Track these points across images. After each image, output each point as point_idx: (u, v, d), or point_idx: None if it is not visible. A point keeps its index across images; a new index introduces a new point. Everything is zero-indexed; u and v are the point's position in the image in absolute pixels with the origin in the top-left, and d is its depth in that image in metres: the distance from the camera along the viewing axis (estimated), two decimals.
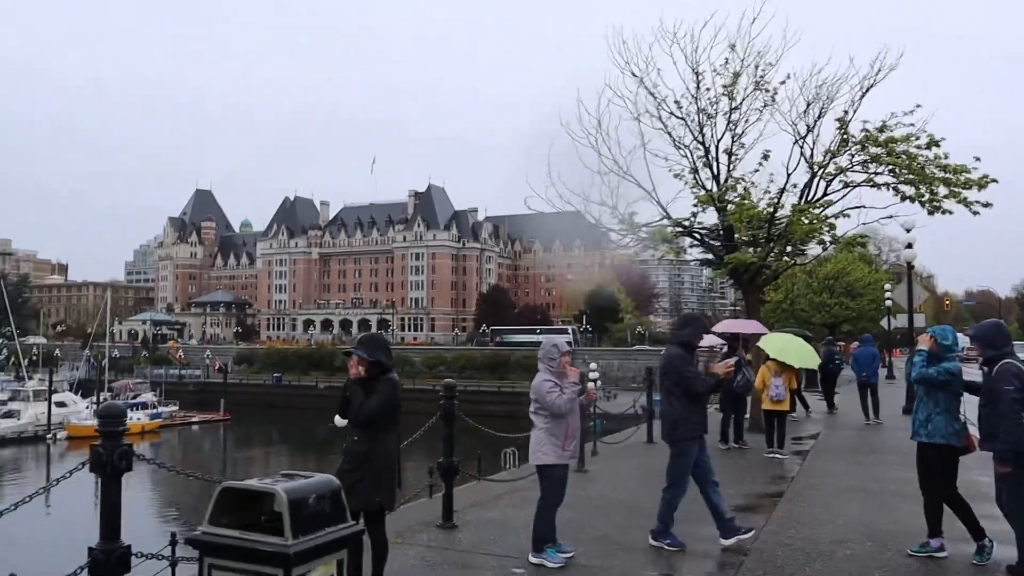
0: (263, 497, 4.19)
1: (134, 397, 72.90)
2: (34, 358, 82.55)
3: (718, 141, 17.50)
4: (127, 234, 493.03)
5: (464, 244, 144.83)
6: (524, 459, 29.16)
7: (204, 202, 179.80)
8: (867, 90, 16.77)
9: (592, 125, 17.16)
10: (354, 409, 6.33)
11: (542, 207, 18.09)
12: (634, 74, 17.15)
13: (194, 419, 73.17)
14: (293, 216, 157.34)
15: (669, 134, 17.35)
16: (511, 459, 37.26)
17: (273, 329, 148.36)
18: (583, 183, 17.76)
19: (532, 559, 7.37)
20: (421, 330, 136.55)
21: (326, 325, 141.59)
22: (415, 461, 47.82)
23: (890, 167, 16.22)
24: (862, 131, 16.36)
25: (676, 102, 16.99)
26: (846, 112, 16.55)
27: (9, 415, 63.45)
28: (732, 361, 8.59)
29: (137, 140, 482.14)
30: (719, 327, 17.64)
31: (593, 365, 44.11)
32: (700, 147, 17.47)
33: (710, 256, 20.11)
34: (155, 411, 69.22)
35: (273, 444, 70.66)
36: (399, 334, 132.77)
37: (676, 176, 17.46)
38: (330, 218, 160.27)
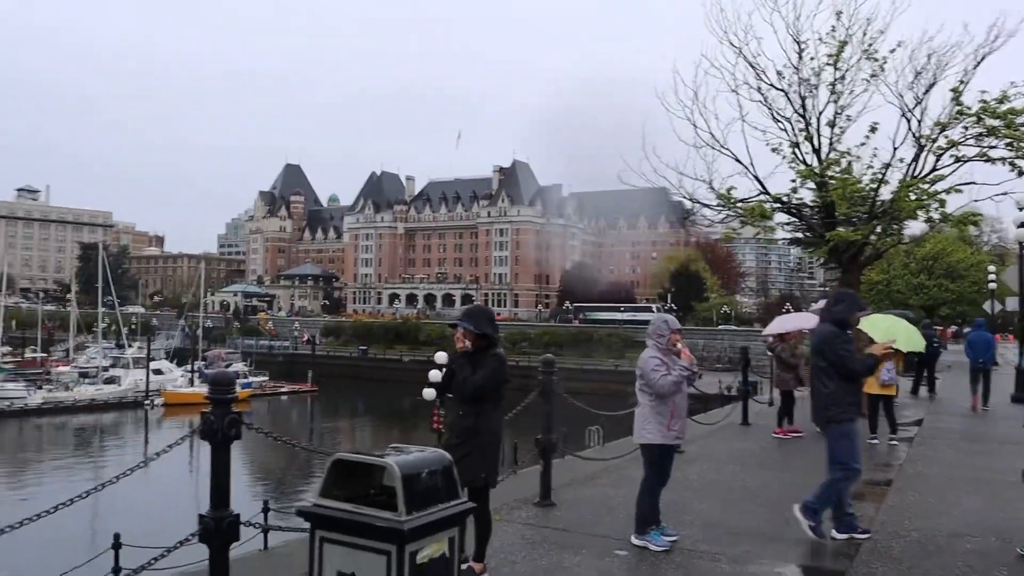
0: (373, 470, 4.08)
1: (226, 366, 74.95)
2: (133, 327, 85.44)
3: (819, 113, 16.86)
4: (220, 208, 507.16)
5: (548, 220, 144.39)
6: (609, 437, 28.78)
7: (293, 177, 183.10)
8: (982, 59, 15.90)
9: (688, 97, 16.68)
10: (459, 383, 6.21)
11: (635, 180, 17.67)
12: (732, 44, 16.59)
13: (283, 389, 74.94)
14: (379, 191, 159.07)
15: (768, 106, 16.75)
16: (596, 437, 37.09)
17: (359, 302, 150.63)
18: (676, 158, 17.33)
19: (635, 541, 7.15)
20: (504, 306, 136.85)
21: (410, 299, 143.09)
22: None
23: (1007, 141, 15.35)
24: (979, 102, 15.51)
25: (778, 72, 16.38)
26: (961, 82, 15.71)
27: (111, 381, 66.04)
28: (891, 341, 8.17)
29: (230, 117, 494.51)
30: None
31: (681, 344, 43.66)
32: (801, 119, 16.85)
33: (800, 234, 19.46)
34: (246, 381, 70.98)
35: (358, 415, 71.94)
36: None
37: (773, 150, 16.87)
38: (416, 193, 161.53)
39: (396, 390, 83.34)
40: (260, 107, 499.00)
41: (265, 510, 7.88)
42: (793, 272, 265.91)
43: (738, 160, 16.45)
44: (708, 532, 7.70)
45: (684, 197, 17.41)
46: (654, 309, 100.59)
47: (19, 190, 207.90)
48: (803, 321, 15.47)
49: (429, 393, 18.21)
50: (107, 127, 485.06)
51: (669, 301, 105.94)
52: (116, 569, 7.04)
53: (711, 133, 16.50)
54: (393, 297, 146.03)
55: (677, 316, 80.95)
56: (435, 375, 18.10)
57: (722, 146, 16.90)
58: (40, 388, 61.89)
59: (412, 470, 3.90)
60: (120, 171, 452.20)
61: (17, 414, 57.08)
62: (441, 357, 18.32)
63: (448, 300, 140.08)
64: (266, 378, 76.14)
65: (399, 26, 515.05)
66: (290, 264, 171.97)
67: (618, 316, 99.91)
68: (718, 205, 17.23)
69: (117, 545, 7.14)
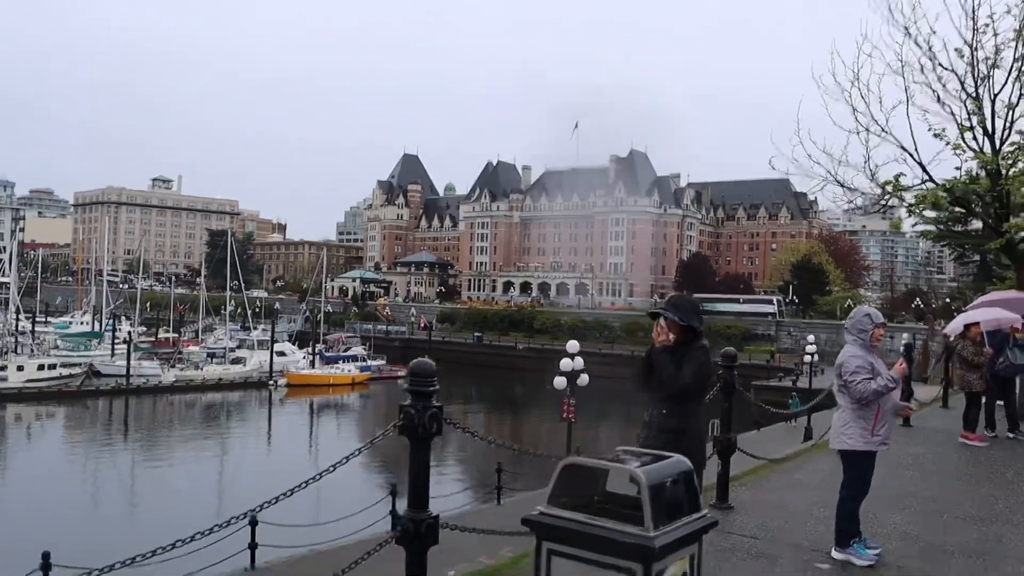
0: (596, 474, 3.59)
1: (346, 350, 76.60)
2: (257, 310, 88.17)
3: (994, 96, 15.51)
4: (339, 197, 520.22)
5: (665, 210, 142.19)
6: (743, 428, 27.67)
7: (411, 166, 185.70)
8: None
9: (847, 78, 15.57)
10: (664, 381, 5.63)
11: (786, 167, 16.63)
12: (899, 21, 15.39)
13: (400, 373, 75.82)
14: (495, 180, 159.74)
15: (934, 90, 15.48)
16: (715, 430, 36.14)
17: (473, 290, 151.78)
18: (827, 143, 16.23)
19: (836, 554, 6.47)
20: (619, 296, 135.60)
21: (524, 288, 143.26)
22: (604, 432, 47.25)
23: None
24: None
25: (957, 50, 15.11)
26: None
27: (237, 361, 68.24)
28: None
29: (350, 109, 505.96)
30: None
31: (811, 338, 41.87)
32: (974, 102, 15.53)
33: (956, 227, 18.00)
34: (365, 364, 72.32)
35: (472, 402, 72.32)
36: (597, 299, 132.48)
37: (936, 136, 15.60)
38: (532, 182, 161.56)
39: (510, 377, 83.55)
40: (380, 100, 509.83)
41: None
42: (921, 266, 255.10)
43: (902, 146, 15.26)
44: (910, 547, 6.95)
45: (841, 185, 16.20)
46: (774, 301, 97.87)
47: (153, 180, 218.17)
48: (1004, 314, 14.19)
49: (560, 382, 17.74)
50: (236, 124, 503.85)
51: (791, 294, 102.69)
52: None
53: (872, 117, 15.34)
54: (507, 285, 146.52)
55: (798, 309, 78.24)
56: (567, 364, 17.60)
57: (883, 130, 15.72)
58: (173, 367, 64.42)
59: (658, 479, 3.41)
60: (247, 163, 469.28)
61: (152, 390, 59.60)
62: (573, 346, 17.81)
63: (562, 289, 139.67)
64: (384, 362, 77.29)
65: (520, 23, 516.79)
66: (406, 251, 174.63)
67: (737, 308, 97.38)
68: (883, 194, 16.03)
69: None
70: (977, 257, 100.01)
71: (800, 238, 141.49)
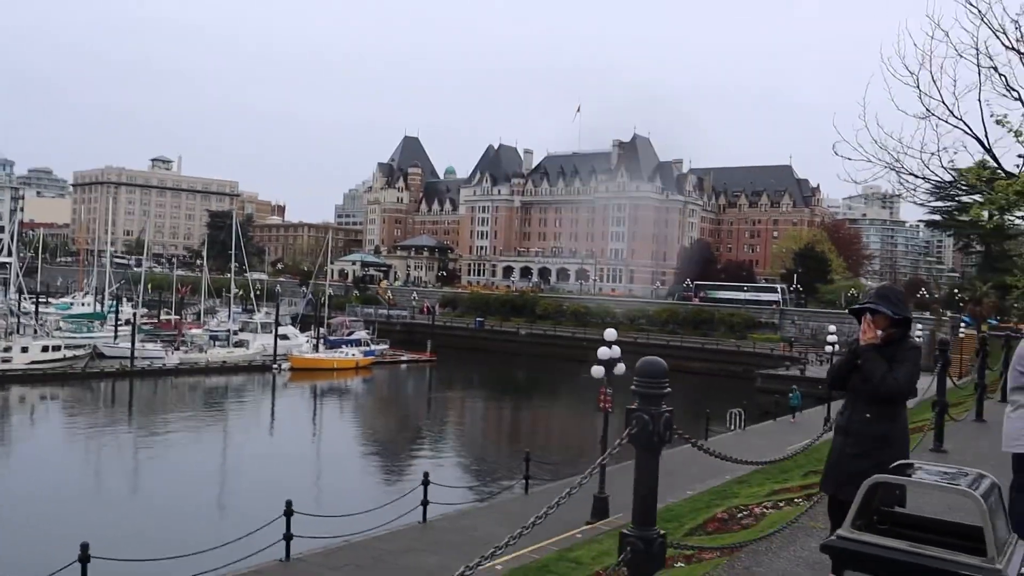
0: (894, 495, 3.21)
1: (349, 334, 76.32)
2: (258, 293, 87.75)
3: None
4: (338, 179, 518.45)
5: (667, 196, 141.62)
6: (757, 420, 27.46)
7: (411, 149, 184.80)
8: None
9: (915, 59, 15.00)
10: (875, 383, 5.10)
11: (849, 152, 16.06)
12: (971, 3, 14.89)
13: (403, 358, 75.71)
14: (496, 164, 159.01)
15: (1002, 75, 14.98)
16: (737, 420, 35.98)
17: (473, 274, 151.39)
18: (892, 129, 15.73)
19: None
20: (620, 282, 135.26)
21: (525, 272, 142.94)
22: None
23: None
24: None
25: None
26: None
27: (240, 344, 67.93)
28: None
29: (349, 91, 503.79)
30: None
31: (832, 328, 41.39)
32: None
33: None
34: (368, 348, 72.05)
35: (473, 387, 72.18)
36: (598, 285, 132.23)
37: (998, 122, 15.16)
38: (533, 167, 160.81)
39: (512, 363, 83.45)
40: (379, 82, 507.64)
41: None
42: (920, 255, 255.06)
43: (971, 133, 14.74)
44: None
45: (905, 172, 15.70)
46: (778, 289, 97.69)
47: (153, 160, 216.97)
48: None
49: (598, 371, 17.42)
50: (235, 105, 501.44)
51: (795, 282, 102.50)
52: None
53: (942, 102, 14.78)
54: (508, 270, 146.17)
55: (801, 298, 77.64)
56: (604, 352, 17.29)
57: (952, 115, 15.16)
58: (177, 349, 64.08)
59: (995, 502, 3.02)
60: (246, 144, 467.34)
61: (156, 373, 59.32)
62: (610, 334, 17.50)
63: (563, 274, 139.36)
64: (387, 346, 77.06)
65: (521, 4, 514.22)
66: (406, 235, 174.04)
67: (740, 296, 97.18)
68: (956, 183, 15.53)
69: None
70: (982, 248, 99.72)
71: (802, 225, 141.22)
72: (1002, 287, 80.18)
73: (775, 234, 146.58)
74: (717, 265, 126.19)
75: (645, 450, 3.93)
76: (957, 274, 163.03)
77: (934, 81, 14.01)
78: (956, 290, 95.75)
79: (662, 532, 4.01)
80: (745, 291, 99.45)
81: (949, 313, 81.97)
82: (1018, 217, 16.88)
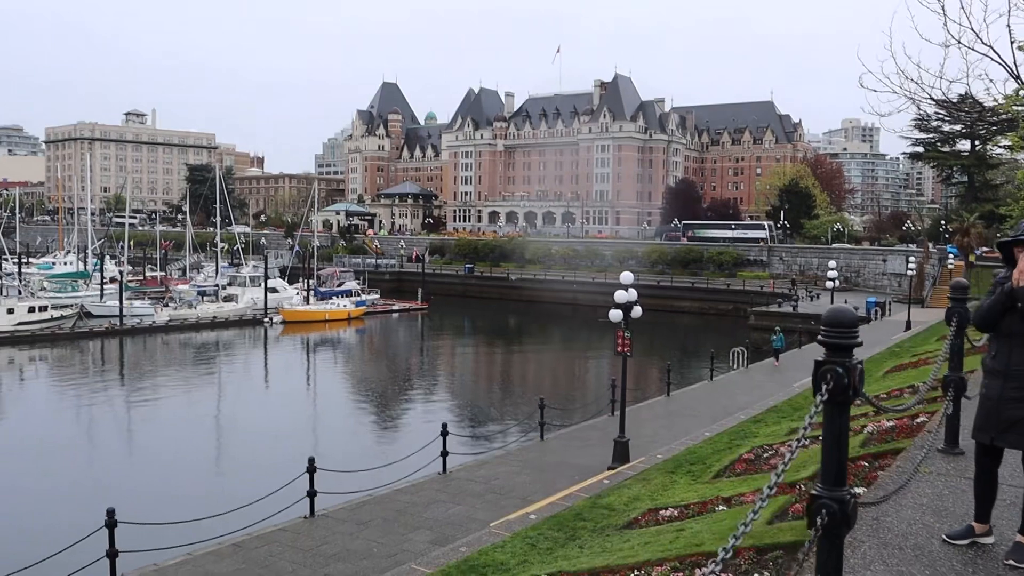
0: None
1: (339, 285, 75.79)
2: (242, 246, 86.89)
3: None
4: (316, 127, 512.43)
5: (651, 136, 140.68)
6: (754, 358, 27.36)
7: (390, 95, 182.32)
8: None
9: None
10: None
11: (874, 84, 15.60)
12: None
13: (394, 307, 75.35)
14: (478, 108, 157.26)
15: None
16: (740, 359, 35.99)
17: (458, 220, 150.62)
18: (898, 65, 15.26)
19: None
20: (606, 223, 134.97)
21: (511, 217, 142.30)
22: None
23: None
24: None
25: None
26: None
27: (229, 299, 67.31)
28: None
29: (325, 34, 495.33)
30: None
31: (832, 264, 41.09)
32: None
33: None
34: (360, 299, 71.60)
35: (468, 334, 72.11)
36: (585, 227, 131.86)
37: (1020, 48, 14.72)
38: (515, 110, 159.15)
39: (505, 308, 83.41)
40: (356, 26, 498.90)
41: None
42: (901, 188, 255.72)
43: (1001, 61, 14.28)
44: None
45: (935, 101, 15.24)
46: (766, 226, 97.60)
47: (127, 114, 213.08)
48: None
49: (615, 315, 17.11)
50: (207, 57, 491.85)
51: (782, 218, 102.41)
52: None
53: (972, 29, 14.26)
54: (493, 215, 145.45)
55: (787, 234, 76.83)
56: (621, 295, 16.98)
57: (981, 41, 14.65)
58: (166, 306, 63.47)
59: None
60: (219, 95, 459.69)
61: (145, 330, 58.78)
62: (627, 277, 17.17)
63: (549, 218, 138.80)
64: (378, 296, 76.67)
65: None
66: (389, 183, 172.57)
67: (728, 234, 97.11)
68: (990, 114, 15.11)
69: None
70: (965, 179, 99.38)
71: (785, 162, 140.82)
72: (989, 216, 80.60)
73: (759, 171, 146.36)
74: (703, 204, 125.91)
75: (837, 404, 3.55)
76: (938, 206, 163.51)
77: (963, 7, 13.51)
78: (943, 222, 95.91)
79: (855, 491, 3.65)
80: (733, 229, 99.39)
81: (934, 245, 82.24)
82: None
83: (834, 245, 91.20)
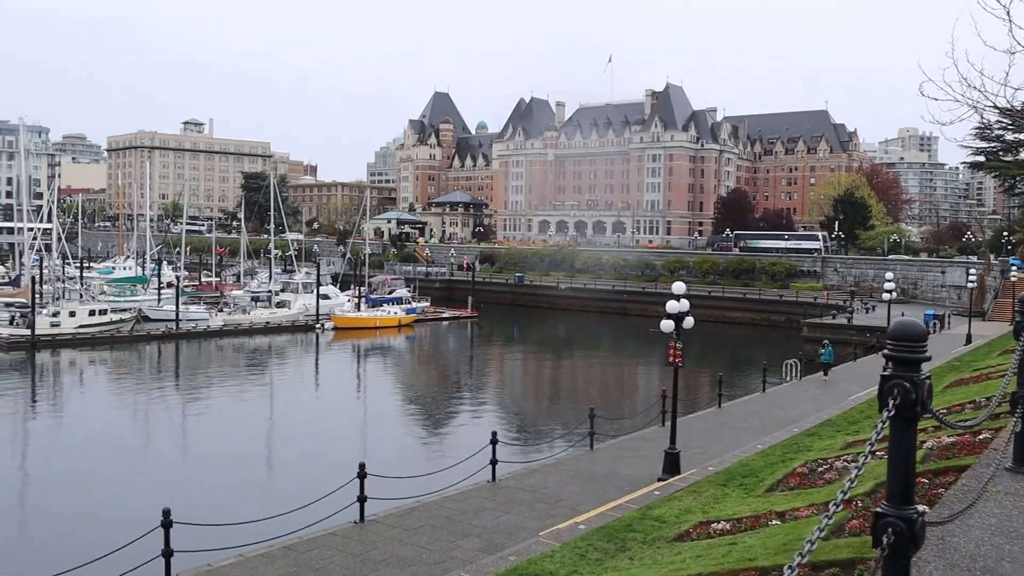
0: None
1: (390, 292, 76.34)
2: (295, 253, 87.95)
3: None
4: (369, 137, 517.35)
5: (702, 145, 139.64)
6: (807, 371, 26.95)
7: (442, 105, 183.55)
8: None
9: None
10: None
11: (935, 93, 15.30)
12: None
13: (444, 315, 75.70)
14: (529, 117, 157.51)
15: None
16: (793, 371, 35.45)
17: (508, 229, 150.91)
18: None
19: None
20: (656, 233, 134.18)
21: (561, 226, 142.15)
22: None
23: None
24: None
25: None
26: None
27: (282, 304, 68.16)
28: None
29: (378, 46, 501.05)
30: None
31: (889, 275, 40.22)
32: None
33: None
34: (410, 306, 72.05)
35: (517, 342, 72.07)
36: (635, 237, 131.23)
37: None
38: (565, 119, 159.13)
39: (554, 317, 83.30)
40: (408, 37, 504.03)
41: None
42: (961, 198, 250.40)
43: None
44: None
45: (998, 109, 14.88)
46: (820, 237, 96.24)
47: (185, 123, 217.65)
48: None
49: (667, 325, 16.97)
50: (263, 66, 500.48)
51: (837, 229, 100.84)
52: None
53: None
54: (543, 224, 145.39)
55: (842, 245, 74.99)
56: (673, 305, 16.83)
57: None
58: (220, 311, 64.48)
59: None
60: (275, 106, 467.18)
61: (201, 335, 59.75)
62: (679, 287, 17.02)
63: (599, 227, 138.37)
64: (428, 303, 77.07)
65: None
66: (439, 192, 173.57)
67: (781, 244, 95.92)
68: None
69: None
70: None
71: (840, 171, 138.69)
72: None
73: (812, 181, 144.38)
74: (755, 214, 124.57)
75: (904, 420, 3.44)
76: (1000, 217, 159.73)
77: None
78: (1005, 233, 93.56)
79: (921, 510, 3.52)
80: (786, 240, 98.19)
81: (996, 257, 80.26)
82: None
83: (891, 256, 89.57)
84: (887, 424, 3.53)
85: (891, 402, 3.44)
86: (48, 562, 13.91)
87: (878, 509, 3.40)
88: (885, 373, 3.48)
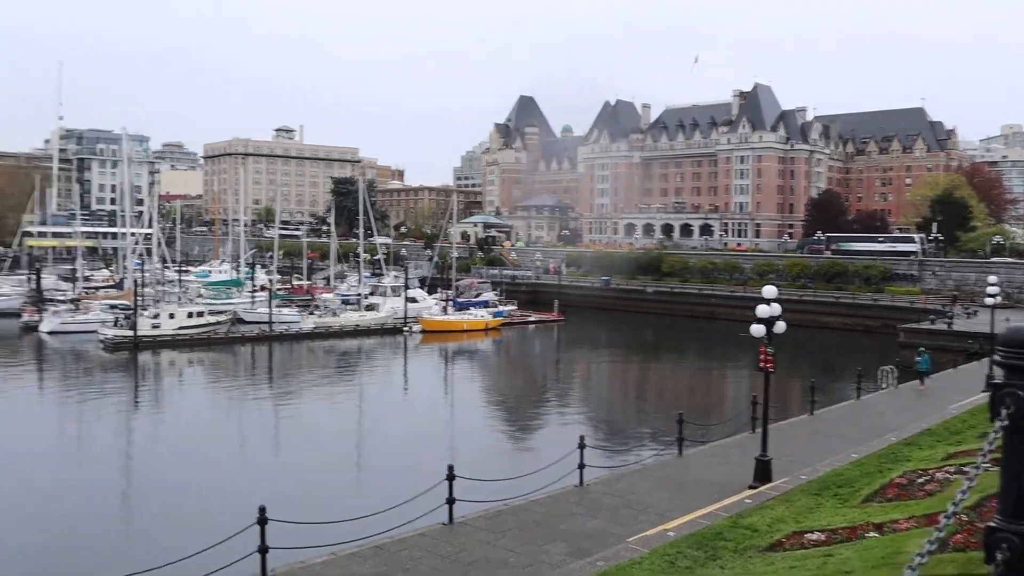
0: None
1: (477, 295, 76.95)
2: (383, 257, 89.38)
3: None
4: (455, 142, 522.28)
5: (792, 146, 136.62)
6: (904, 378, 25.97)
7: (527, 108, 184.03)
8: None
9: None
10: None
11: None
12: None
13: (531, 318, 75.91)
14: (614, 120, 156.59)
15: None
16: (889, 378, 34.42)
17: (594, 232, 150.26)
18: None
19: None
20: (745, 236, 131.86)
21: (647, 229, 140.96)
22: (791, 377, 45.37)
23: None
24: None
25: None
26: None
27: (371, 307, 69.35)
28: None
29: (463, 51, 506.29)
30: None
31: (992, 279, 38.73)
32: None
33: None
34: (497, 310, 72.47)
35: (604, 346, 71.75)
36: (723, 240, 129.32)
37: None
38: (651, 121, 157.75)
39: (641, 321, 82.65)
40: (493, 42, 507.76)
41: None
42: None
43: None
44: None
45: None
46: (916, 239, 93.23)
47: (276, 130, 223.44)
48: None
49: (757, 329, 16.67)
50: (351, 71, 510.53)
51: (936, 230, 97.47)
52: None
53: None
54: (629, 227, 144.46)
55: (940, 248, 71.89)
56: (763, 310, 16.53)
57: None
58: (312, 314, 65.97)
59: None
60: (363, 111, 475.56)
61: (292, 337, 61.25)
62: (770, 291, 16.70)
63: (686, 230, 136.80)
64: (515, 307, 77.38)
65: None
66: (525, 195, 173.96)
67: (875, 247, 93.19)
68: None
69: None
70: None
71: (937, 171, 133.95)
72: None
73: (908, 181, 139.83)
74: (847, 216, 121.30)
75: (1019, 431, 3.31)
76: None
77: None
78: None
79: None
80: (881, 242, 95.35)
81: None
82: None
83: (993, 259, 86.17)
84: (999, 434, 3.40)
85: (1004, 411, 3.29)
86: (152, 556, 14.44)
87: (991, 523, 3.27)
88: (997, 381, 3.35)
